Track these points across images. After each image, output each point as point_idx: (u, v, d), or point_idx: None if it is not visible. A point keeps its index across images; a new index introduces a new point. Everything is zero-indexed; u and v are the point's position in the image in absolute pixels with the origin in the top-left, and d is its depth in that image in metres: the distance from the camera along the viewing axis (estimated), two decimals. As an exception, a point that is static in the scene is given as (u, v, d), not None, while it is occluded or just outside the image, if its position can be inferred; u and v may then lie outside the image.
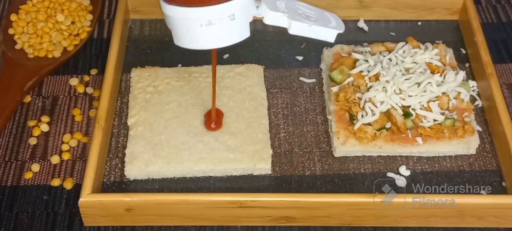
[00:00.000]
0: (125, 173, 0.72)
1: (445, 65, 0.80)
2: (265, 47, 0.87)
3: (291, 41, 0.88)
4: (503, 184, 0.73)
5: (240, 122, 0.76)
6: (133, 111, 0.77)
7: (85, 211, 0.67)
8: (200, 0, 0.59)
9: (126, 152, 0.73)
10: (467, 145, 0.74)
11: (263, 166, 0.73)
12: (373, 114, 0.74)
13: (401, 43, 0.82)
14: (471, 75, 0.84)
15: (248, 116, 0.77)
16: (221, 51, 0.86)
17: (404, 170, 0.74)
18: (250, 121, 0.76)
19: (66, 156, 0.75)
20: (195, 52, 0.85)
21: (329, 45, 0.85)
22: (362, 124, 0.74)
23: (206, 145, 0.74)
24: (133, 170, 0.72)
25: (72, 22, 0.87)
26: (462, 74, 0.78)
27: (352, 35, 0.89)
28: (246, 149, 0.73)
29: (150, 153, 0.73)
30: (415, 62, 0.79)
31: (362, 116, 0.75)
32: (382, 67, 0.78)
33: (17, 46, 0.85)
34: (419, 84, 0.76)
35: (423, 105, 0.75)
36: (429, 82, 0.75)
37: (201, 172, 0.73)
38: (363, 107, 0.75)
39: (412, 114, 0.74)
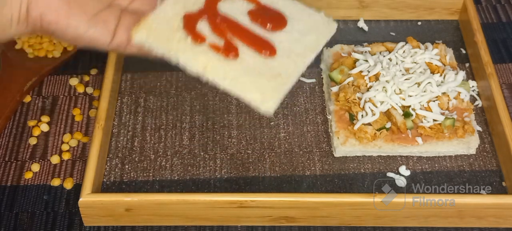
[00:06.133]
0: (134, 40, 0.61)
1: (445, 65, 0.80)
2: (265, 47, 0.87)
3: (291, 41, 0.88)
4: (503, 184, 0.73)
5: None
6: None
7: (85, 211, 0.67)
8: None
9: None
10: (467, 145, 0.74)
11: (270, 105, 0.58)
12: (373, 114, 0.74)
13: (401, 43, 0.82)
14: (471, 75, 0.84)
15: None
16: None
17: (404, 170, 0.74)
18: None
19: (66, 156, 0.75)
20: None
21: (329, 45, 0.85)
22: (362, 124, 0.74)
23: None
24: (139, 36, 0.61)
25: (72, 22, 0.87)
26: (462, 74, 0.78)
27: (352, 35, 0.89)
28: (261, 78, 0.60)
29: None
30: (415, 62, 0.79)
31: (362, 115, 0.74)
32: (382, 67, 0.78)
33: (17, 46, 0.85)
34: (419, 84, 0.76)
35: (423, 105, 0.75)
36: (429, 82, 0.75)
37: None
38: (363, 107, 0.75)
39: (412, 115, 0.74)
